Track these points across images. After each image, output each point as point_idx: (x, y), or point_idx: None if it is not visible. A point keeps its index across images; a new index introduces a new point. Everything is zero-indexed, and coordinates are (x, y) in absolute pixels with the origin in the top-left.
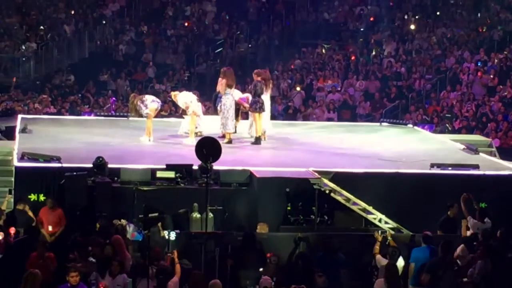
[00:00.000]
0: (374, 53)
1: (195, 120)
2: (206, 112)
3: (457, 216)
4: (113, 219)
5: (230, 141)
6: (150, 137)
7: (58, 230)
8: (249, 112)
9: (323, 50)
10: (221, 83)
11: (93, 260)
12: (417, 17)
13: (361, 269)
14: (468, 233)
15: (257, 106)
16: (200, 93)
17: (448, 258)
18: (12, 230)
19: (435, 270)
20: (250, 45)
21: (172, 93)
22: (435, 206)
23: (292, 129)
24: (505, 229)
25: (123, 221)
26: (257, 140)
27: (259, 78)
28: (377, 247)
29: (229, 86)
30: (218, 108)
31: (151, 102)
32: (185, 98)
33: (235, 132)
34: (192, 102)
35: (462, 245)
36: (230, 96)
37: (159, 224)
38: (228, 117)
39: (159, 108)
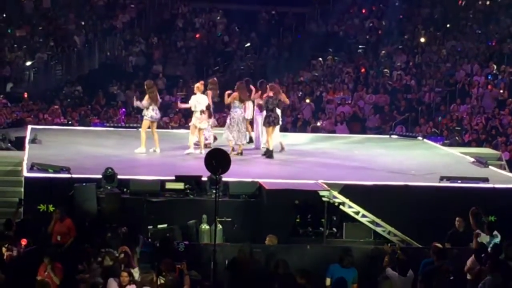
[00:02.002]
0: (384, 66)
1: (194, 132)
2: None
3: (466, 229)
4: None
5: (241, 153)
6: (156, 148)
7: (67, 240)
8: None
9: (333, 61)
10: (232, 95)
11: (100, 280)
12: (427, 30)
13: (370, 282)
14: None
15: (269, 120)
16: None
17: (443, 267)
18: (24, 242)
19: (430, 279)
20: (259, 57)
21: (200, 84)
22: (444, 219)
23: (301, 141)
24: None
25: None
26: (270, 153)
27: (271, 93)
28: (386, 260)
29: (240, 100)
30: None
31: (150, 111)
32: (195, 102)
33: (249, 142)
34: (195, 113)
35: (471, 258)
36: (239, 110)
37: None
38: (240, 130)
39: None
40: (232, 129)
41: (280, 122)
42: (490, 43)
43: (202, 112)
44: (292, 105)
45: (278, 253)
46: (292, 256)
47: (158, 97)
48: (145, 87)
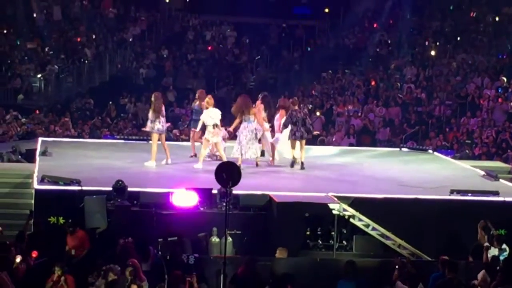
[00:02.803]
0: (394, 79)
1: (206, 146)
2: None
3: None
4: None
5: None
6: (167, 160)
7: (82, 253)
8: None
9: (343, 73)
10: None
11: None
12: (437, 43)
13: None
14: None
15: (293, 134)
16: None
17: (455, 280)
18: (35, 254)
19: None
20: (270, 70)
21: (209, 98)
22: (454, 232)
23: (311, 153)
24: None
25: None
26: (292, 163)
27: (295, 108)
28: (396, 273)
29: (238, 113)
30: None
31: (157, 123)
32: (208, 117)
33: (263, 155)
34: (208, 128)
35: (483, 271)
36: (244, 122)
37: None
38: (241, 142)
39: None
40: (237, 140)
41: (306, 137)
42: (500, 56)
43: (215, 126)
44: None
45: (288, 266)
46: (302, 269)
47: (162, 109)
48: (152, 98)
